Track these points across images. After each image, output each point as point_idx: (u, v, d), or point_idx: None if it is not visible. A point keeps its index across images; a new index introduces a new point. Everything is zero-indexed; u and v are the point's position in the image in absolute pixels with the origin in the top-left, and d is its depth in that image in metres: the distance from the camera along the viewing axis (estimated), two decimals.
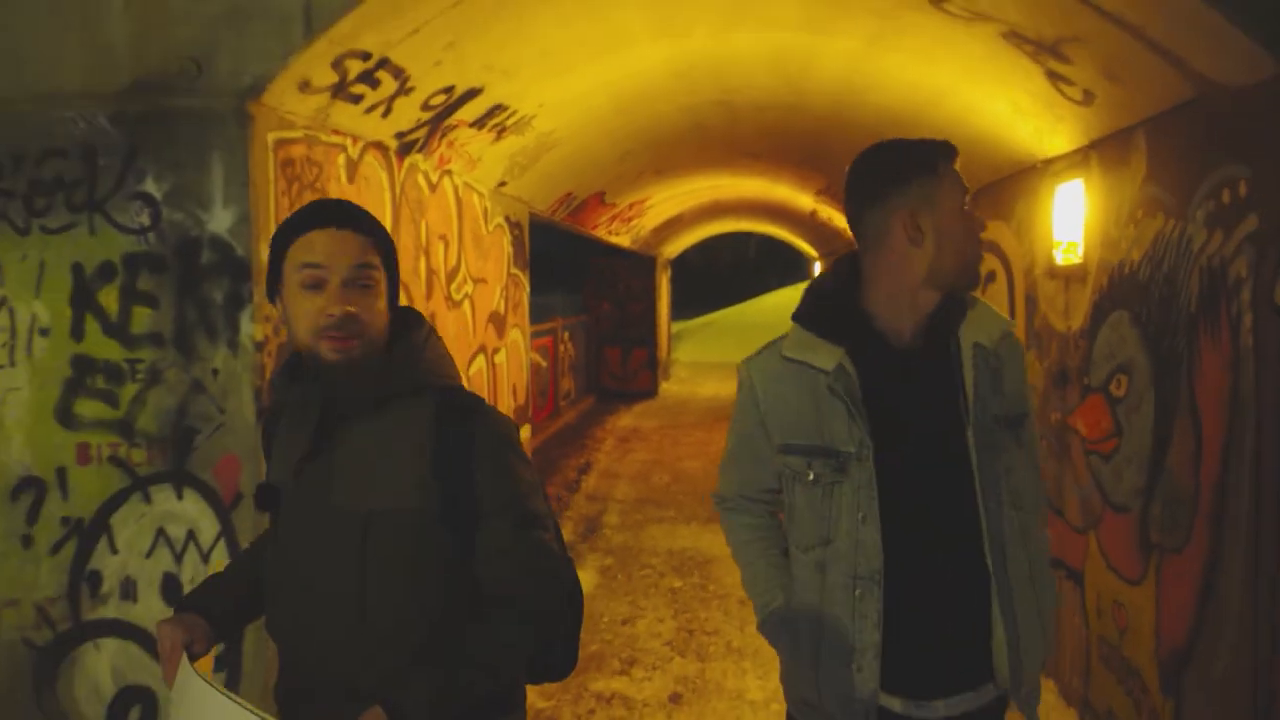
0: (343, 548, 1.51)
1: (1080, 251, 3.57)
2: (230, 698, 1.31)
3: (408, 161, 3.47)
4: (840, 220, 8.47)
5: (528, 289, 5.75)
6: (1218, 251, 2.52)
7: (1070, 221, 3.68)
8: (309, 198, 2.61)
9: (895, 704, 1.70)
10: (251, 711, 1.28)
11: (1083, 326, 3.53)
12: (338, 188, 2.90)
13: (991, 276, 4.69)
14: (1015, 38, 2.97)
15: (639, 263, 13.49)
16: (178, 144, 2.46)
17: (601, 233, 8.89)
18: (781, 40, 3.79)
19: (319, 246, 1.49)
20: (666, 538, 6.16)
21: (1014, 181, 4.29)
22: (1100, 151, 3.34)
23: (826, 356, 1.73)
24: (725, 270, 33.51)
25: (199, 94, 2.42)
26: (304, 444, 1.55)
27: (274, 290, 1.56)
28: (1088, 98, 3.09)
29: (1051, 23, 2.75)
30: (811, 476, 1.75)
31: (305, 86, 2.57)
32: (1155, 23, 2.40)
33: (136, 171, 2.46)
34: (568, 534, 6.24)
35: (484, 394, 4.53)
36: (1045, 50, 2.95)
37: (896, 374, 1.73)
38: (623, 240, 10.31)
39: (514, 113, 3.92)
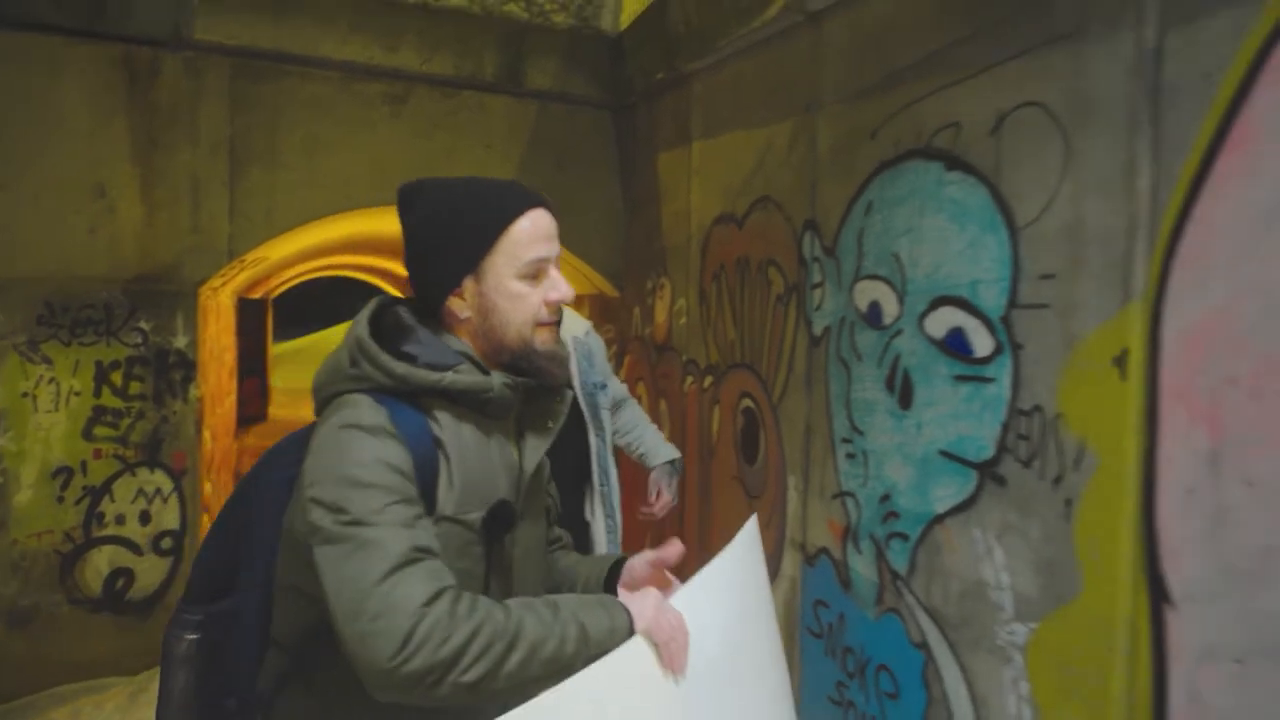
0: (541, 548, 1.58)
1: None
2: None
3: (204, 287, 6.25)
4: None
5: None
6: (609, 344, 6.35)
7: None
8: (220, 322, 5.43)
9: None
10: None
11: None
12: (215, 318, 5.70)
13: None
14: None
15: (252, 304, 15.66)
16: (160, 305, 5.12)
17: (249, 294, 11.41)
18: None
19: (543, 231, 1.34)
20: None
21: None
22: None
23: None
24: (303, 299, 35.26)
25: (173, 283, 5.17)
26: (538, 448, 1.45)
27: (458, 279, 1.34)
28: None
29: None
30: None
31: (219, 277, 5.41)
32: (584, 269, 6.16)
33: (136, 317, 5.07)
34: None
35: None
36: None
37: None
38: (256, 295, 12.76)
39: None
